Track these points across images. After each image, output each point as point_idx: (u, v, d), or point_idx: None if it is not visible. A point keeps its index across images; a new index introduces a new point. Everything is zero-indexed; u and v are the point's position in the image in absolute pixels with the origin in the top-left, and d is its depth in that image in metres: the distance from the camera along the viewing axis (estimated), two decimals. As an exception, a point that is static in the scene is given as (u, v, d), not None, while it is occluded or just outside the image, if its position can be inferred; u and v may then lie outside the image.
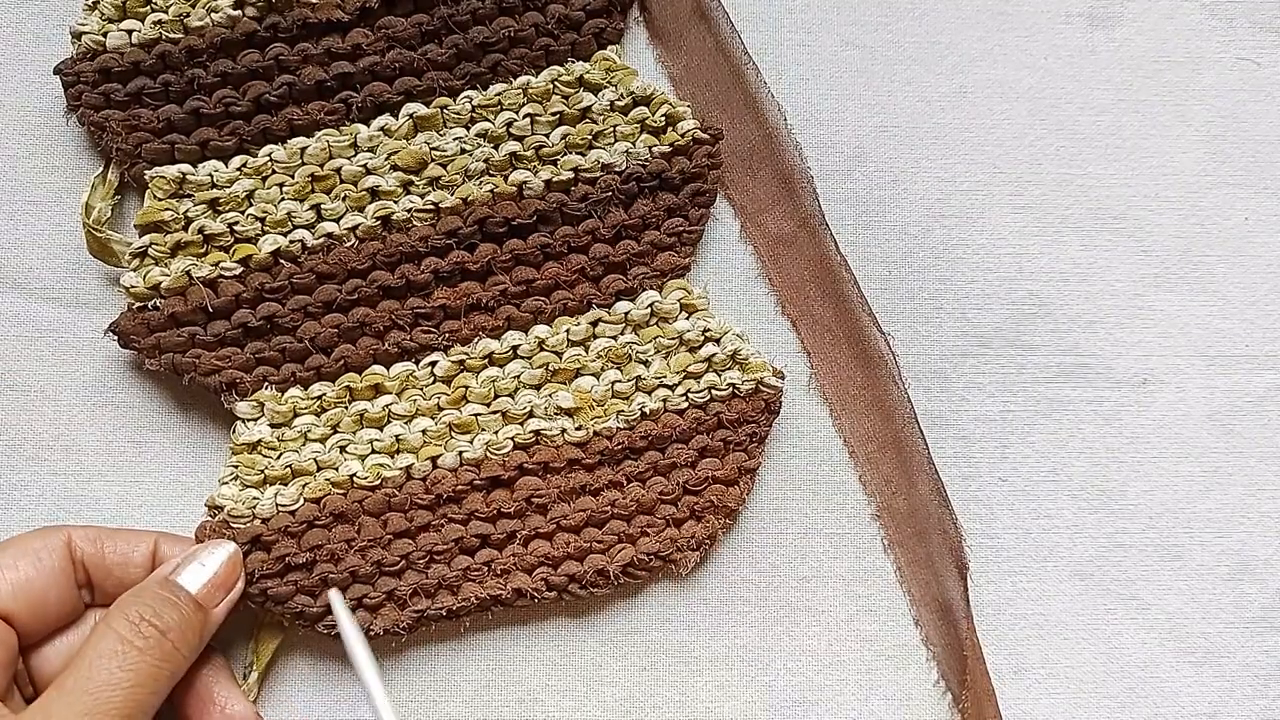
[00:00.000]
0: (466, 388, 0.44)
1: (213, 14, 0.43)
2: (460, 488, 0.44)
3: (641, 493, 0.44)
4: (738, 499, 0.45)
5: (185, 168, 0.43)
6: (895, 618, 0.45)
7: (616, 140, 0.44)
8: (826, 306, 0.46)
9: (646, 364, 0.45)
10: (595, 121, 0.44)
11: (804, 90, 0.46)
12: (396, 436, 0.44)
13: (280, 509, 0.43)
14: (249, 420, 0.44)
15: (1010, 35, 0.47)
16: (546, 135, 0.44)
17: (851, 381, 0.46)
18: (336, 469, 0.44)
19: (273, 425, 0.44)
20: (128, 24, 0.43)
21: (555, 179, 0.44)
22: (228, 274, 0.43)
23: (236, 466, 0.44)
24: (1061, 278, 0.46)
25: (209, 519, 0.43)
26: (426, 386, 0.44)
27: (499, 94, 0.44)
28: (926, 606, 0.45)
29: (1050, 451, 0.46)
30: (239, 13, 0.43)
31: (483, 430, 0.44)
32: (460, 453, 0.44)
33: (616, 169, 0.44)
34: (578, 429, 0.44)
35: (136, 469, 0.45)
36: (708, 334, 0.45)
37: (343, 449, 0.44)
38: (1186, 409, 0.46)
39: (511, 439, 0.44)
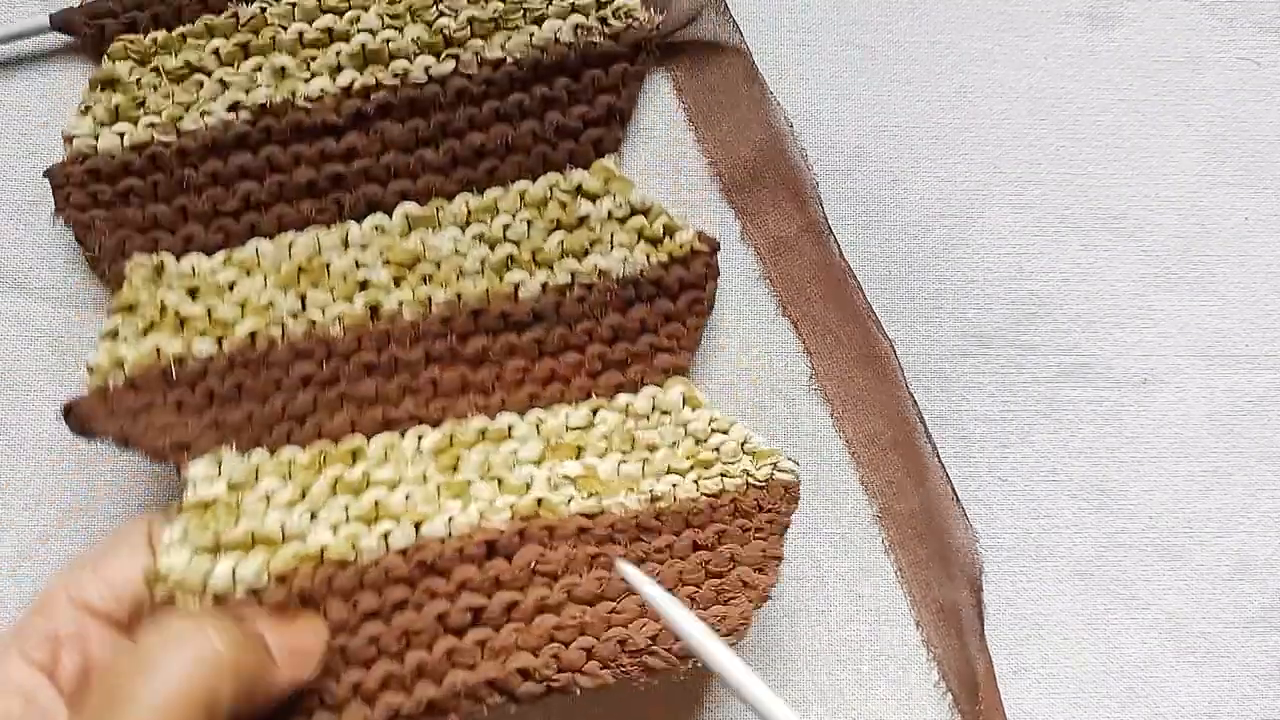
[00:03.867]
0: (458, 458, 0.41)
1: (206, 117, 0.43)
2: (448, 556, 0.38)
3: (660, 569, 0.40)
4: (768, 584, 0.40)
5: (167, 259, 0.42)
6: (895, 618, 0.45)
7: (614, 248, 0.44)
8: (828, 308, 0.46)
9: (653, 449, 0.42)
10: (592, 229, 0.44)
11: (804, 90, 0.46)
12: (375, 503, 0.39)
13: (240, 583, 0.36)
14: (203, 480, 0.38)
15: (1010, 35, 0.47)
16: (543, 240, 0.43)
17: (853, 383, 0.46)
18: (304, 539, 0.38)
19: (231, 487, 0.38)
20: (120, 126, 0.43)
21: (551, 282, 0.43)
22: (200, 354, 0.41)
23: (185, 526, 0.37)
24: (1061, 278, 0.46)
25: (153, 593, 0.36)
26: (412, 458, 0.40)
27: (495, 199, 0.43)
28: (927, 608, 0.45)
29: (1050, 451, 0.46)
30: (232, 116, 0.43)
31: (476, 498, 0.40)
32: (450, 518, 0.39)
33: (613, 275, 0.43)
34: (587, 497, 0.41)
35: (138, 469, 0.45)
36: (714, 424, 0.43)
37: (313, 515, 0.38)
38: (1186, 409, 0.46)
39: (510, 505, 0.40)
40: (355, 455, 0.40)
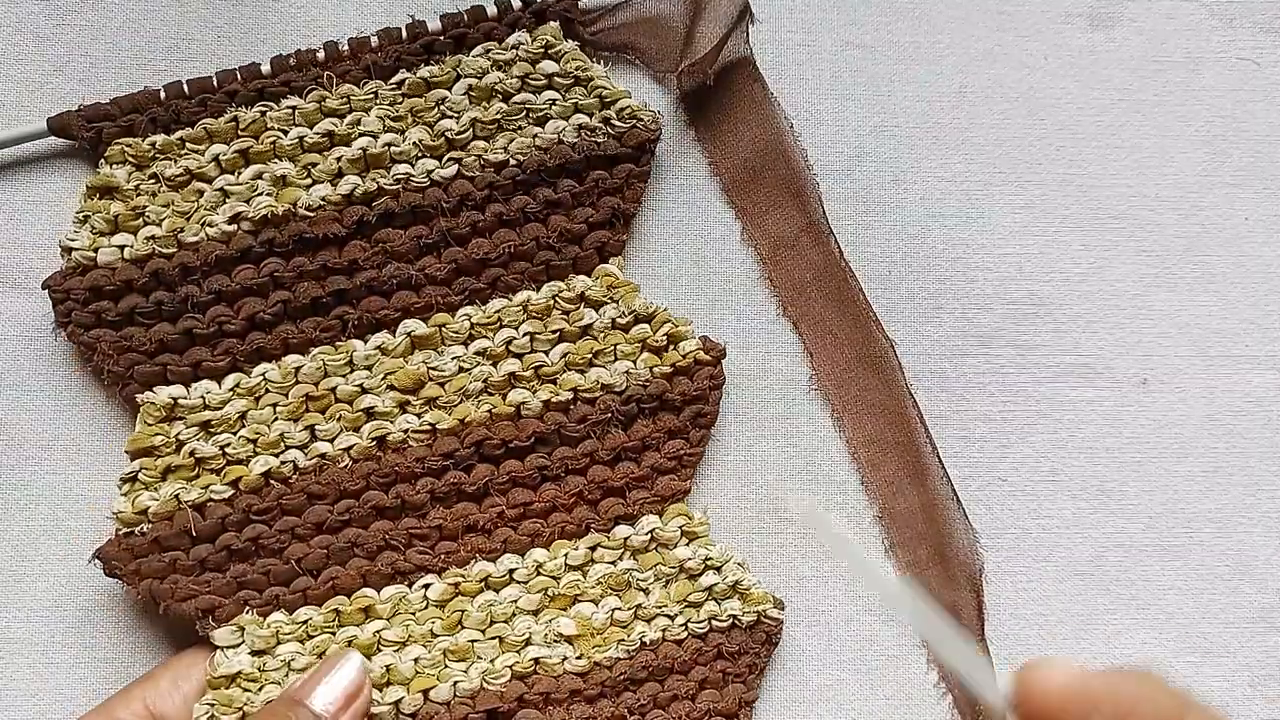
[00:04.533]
0: (462, 612, 0.42)
1: (207, 229, 0.42)
2: None
3: None
4: None
5: (177, 391, 0.42)
6: (896, 618, 0.45)
7: (617, 359, 0.43)
8: (829, 308, 0.46)
9: (646, 592, 0.43)
10: (596, 339, 0.44)
11: (804, 90, 0.46)
12: (387, 667, 0.42)
13: None
14: (228, 648, 0.41)
15: (1010, 35, 0.47)
16: (546, 353, 0.43)
17: (853, 383, 0.46)
18: None
19: (253, 653, 0.42)
20: (120, 238, 0.42)
21: (554, 399, 0.43)
22: (217, 497, 0.42)
23: (213, 705, 0.41)
24: (1061, 278, 0.46)
25: None
26: (419, 611, 0.43)
27: (498, 310, 0.43)
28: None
29: (1050, 451, 0.46)
30: (234, 228, 0.42)
31: (479, 658, 0.42)
32: (455, 683, 0.42)
33: (616, 389, 0.43)
34: (579, 658, 0.42)
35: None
36: (709, 562, 0.43)
37: None
38: (1186, 409, 0.46)
39: (510, 667, 0.42)
40: (367, 612, 0.42)
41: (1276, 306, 0.47)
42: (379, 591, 0.43)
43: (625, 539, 0.43)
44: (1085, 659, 0.46)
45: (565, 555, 0.43)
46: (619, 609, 0.43)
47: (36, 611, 0.44)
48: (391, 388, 0.43)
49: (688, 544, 0.44)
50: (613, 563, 0.43)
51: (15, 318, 0.45)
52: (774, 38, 0.46)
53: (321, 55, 0.43)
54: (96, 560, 0.42)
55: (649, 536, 0.43)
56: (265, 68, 0.43)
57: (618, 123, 0.44)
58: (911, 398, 0.45)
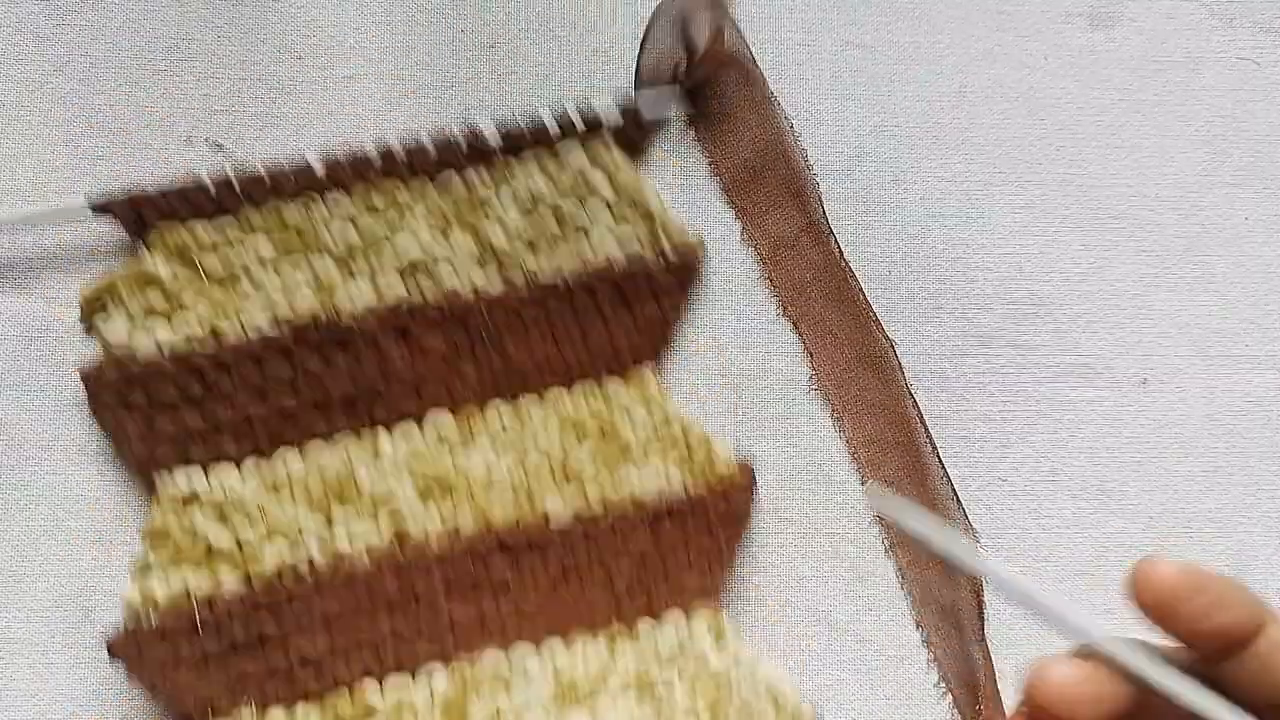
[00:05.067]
0: (467, 716, 0.41)
1: (244, 326, 0.42)
2: None
3: None
4: None
5: (197, 479, 0.42)
6: (895, 618, 0.45)
7: (647, 467, 0.42)
8: (828, 308, 0.46)
9: (669, 690, 0.41)
10: (626, 446, 0.43)
11: (804, 90, 0.46)
12: None
13: None
14: None
15: (1010, 35, 0.47)
16: (575, 457, 0.42)
17: (854, 384, 0.46)
18: None
19: None
20: (157, 329, 0.42)
21: (581, 506, 0.42)
22: (227, 590, 0.41)
23: None
24: (1062, 278, 0.46)
25: None
26: (422, 715, 0.41)
27: (529, 408, 0.42)
28: (928, 608, 0.45)
29: (1050, 451, 0.46)
30: (271, 326, 0.42)
31: None
32: None
33: (646, 502, 0.42)
34: None
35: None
36: (740, 665, 0.42)
37: None
38: (1186, 409, 0.46)
39: None
40: (368, 713, 0.41)
41: (1276, 306, 0.47)
42: (382, 685, 0.41)
43: (649, 638, 0.42)
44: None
45: (583, 650, 0.42)
46: (637, 714, 0.41)
47: (36, 611, 0.44)
48: (416, 483, 0.42)
49: (716, 643, 0.42)
50: (633, 662, 0.42)
51: (15, 318, 0.45)
52: (774, 38, 0.46)
53: (373, 153, 0.43)
54: (108, 655, 0.41)
55: (674, 636, 0.42)
56: (315, 163, 0.43)
57: (664, 243, 0.43)
58: (911, 398, 0.45)
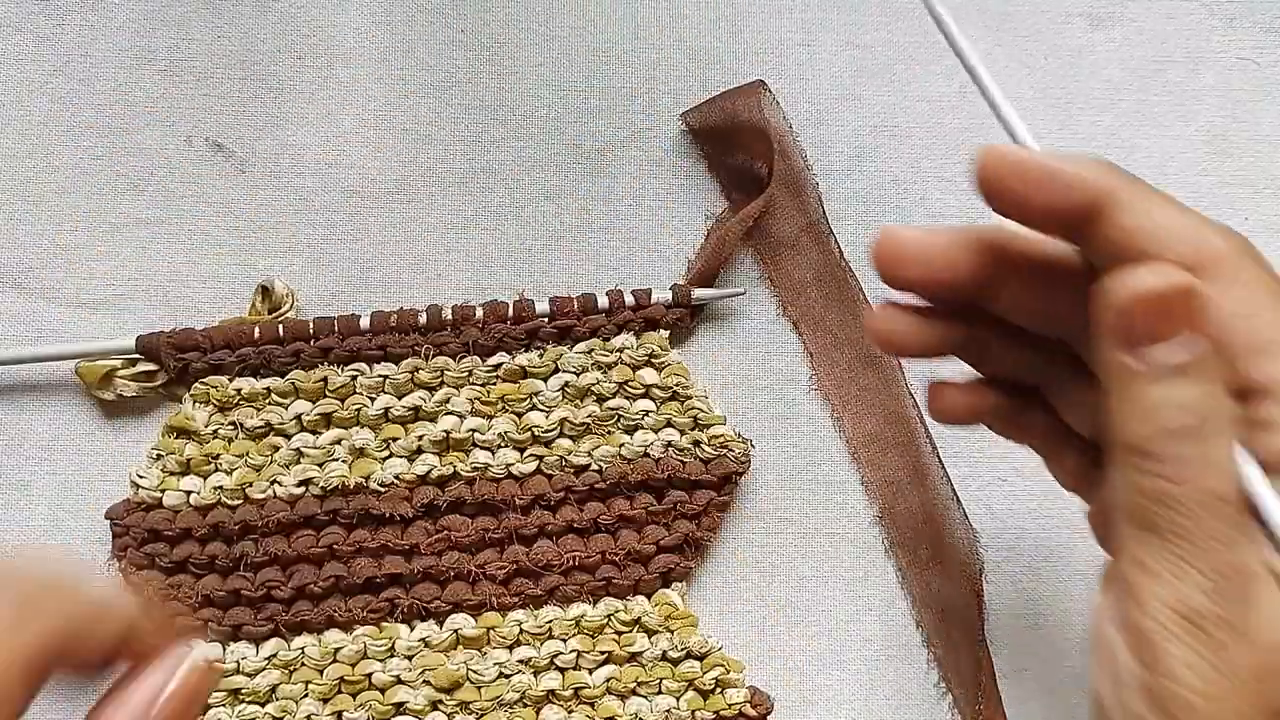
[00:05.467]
0: None
1: (276, 487, 0.42)
2: None
3: None
4: None
5: (213, 652, 0.41)
6: (896, 618, 0.45)
7: (661, 693, 0.42)
8: (829, 308, 0.46)
9: None
10: (643, 668, 0.42)
11: (804, 90, 0.46)
12: None
13: None
14: None
15: (1010, 35, 0.47)
16: (590, 672, 0.42)
17: (853, 383, 0.46)
18: None
19: None
20: (188, 482, 0.42)
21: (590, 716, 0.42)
22: None
23: None
24: (1061, 278, 0.46)
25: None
26: None
27: (550, 621, 0.42)
28: (928, 608, 0.45)
29: (1050, 451, 0.46)
30: (302, 491, 0.42)
31: None
32: None
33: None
34: None
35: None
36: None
37: None
38: (1186, 409, 0.46)
39: None
40: None
41: (1276, 306, 0.46)
42: None
43: None
44: (1085, 659, 0.46)
45: None
46: None
47: (36, 611, 0.44)
48: (428, 683, 0.42)
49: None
50: None
51: (15, 317, 0.45)
52: (774, 38, 0.46)
53: (423, 320, 0.43)
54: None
55: None
56: (364, 322, 0.43)
57: (708, 447, 0.43)
58: (911, 398, 0.45)
